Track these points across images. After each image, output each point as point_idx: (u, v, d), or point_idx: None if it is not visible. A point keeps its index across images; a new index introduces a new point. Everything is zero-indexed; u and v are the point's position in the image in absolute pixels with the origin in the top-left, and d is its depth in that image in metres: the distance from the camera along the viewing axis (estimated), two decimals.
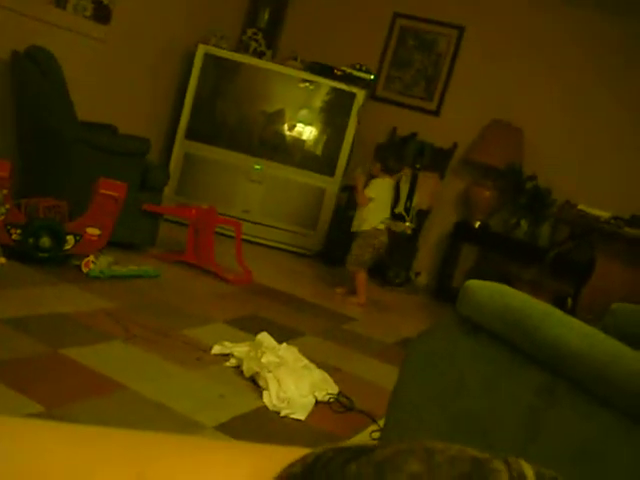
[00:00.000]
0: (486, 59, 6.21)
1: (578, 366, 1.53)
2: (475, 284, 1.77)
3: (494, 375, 1.71)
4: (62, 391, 2.35)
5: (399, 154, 5.24)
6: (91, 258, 3.89)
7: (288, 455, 0.36)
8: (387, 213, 4.99)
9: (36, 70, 4.26)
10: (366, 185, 4.88)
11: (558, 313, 1.66)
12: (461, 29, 6.33)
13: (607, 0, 5.64)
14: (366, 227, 4.87)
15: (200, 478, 0.37)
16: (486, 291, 1.73)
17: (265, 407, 2.67)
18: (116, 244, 4.29)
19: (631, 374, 1.45)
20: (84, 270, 3.85)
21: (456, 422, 1.74)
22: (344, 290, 5.06)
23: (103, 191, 3.90)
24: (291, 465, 0.36)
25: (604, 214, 4.83)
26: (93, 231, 3.90)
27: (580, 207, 4.99)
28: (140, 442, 0.40)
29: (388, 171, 4.92)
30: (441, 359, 1.84)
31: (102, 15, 5.18)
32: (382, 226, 4.91)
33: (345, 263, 5.00)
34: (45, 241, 3.74)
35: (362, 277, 4.94)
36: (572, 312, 4.10)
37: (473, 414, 1.73)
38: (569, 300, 4.70)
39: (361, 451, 0.36)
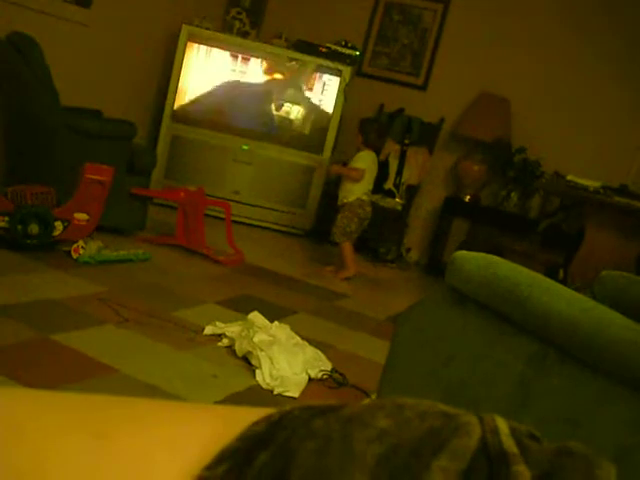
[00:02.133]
0: (472, 32, 6.18)
1: (568, 334, 1.53)
2: (463, 255, 1.77)
3: (484, 345, 1.71)
4: (52, 375, 2.34)
5: (381, 130, 5.22)
6: (80, 243, 3.87)
7: (253, 415, 0.36)
8: (371, 185, 4.99)
9: (18, 56, 4.22)
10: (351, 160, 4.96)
11: (547, 281, 1.66)
12: (446, 3, 6.29)
13: None
14: (351, 198, 4.89)
15: (160, 438, 0.36)
16: (474, 262, 1.73)
17: (258, 386, 2.67)
18: (105, 229, 4.27)
19: (620, 340, 1.45)
20: (74, 256, 3.83)
21: (448, 392, 1.74)
22: (333, 268, 5.04)
23: (89, 176, 3.87)
24: (255, 423, 0.35)
25: (593, 184, 4.82)
26: (81, 216, 3.88)
27: (569, 178, 4.98)
28: (98, 404, 0.39)
29: (369, 145, 4.94)
30: (431, 331, 1.83)
31: None
32: (366, 197, 4.94)
33: (331, 236, 5.01)
34: (33, 228, 3.72)
35: (349, 248, 4.96)
36: (564, 282, 4.11)
37: (465, 384, 1.73)
38: (560, 271, 4.71)
39: (329, 409, 0.35)
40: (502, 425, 0.34)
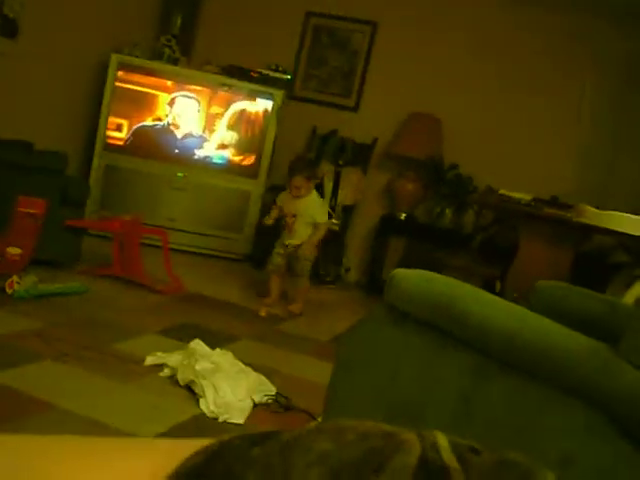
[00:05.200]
0: (401, 53, 6.27)
1: (507, 345, 1.55)
2: (401, 273, 1.78)
3: (425, 362, 1.72)
4: None
5: (308, 161, 5.22)
6: (15, 278, 3.78)
7: (193, 446, 0.35)
8: None
9: None
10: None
11: (484, 294, 1.68)
12: (374, 24, 6.38)
13: None
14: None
15: (101, 476, 0.36)
16: (412, 279, 1.75)
17: (203, 414, 2.64)
18: (40, 262, 4.19)
19: (558, 348, 1.48)
20: (8, 291, 3.74)
21: (392, 412, 1.75)
22: (272, 300, 4.82)
23: (22, 209, 3.81)
24: (194, 454, 0.35)
25: (525, 197, 4.93)
26: (14, 250, 3.80)
27: (501, 192, 5.08)
28: (44, 444, 0.38)
29: (312, 179, 4.82)
30: (373, 351, 1.84)
31: (9, 29, 5.06)
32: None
33: (298, 271, 4.81)
34: None
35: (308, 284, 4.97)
36: (501, 294, 4.17)
37: (408, 402, 1.74)
38: (497, 283, 4.78)
39: (267, 436, 0.35)
40: (442, 441, 0.35)
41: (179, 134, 6.09)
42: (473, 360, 1.61)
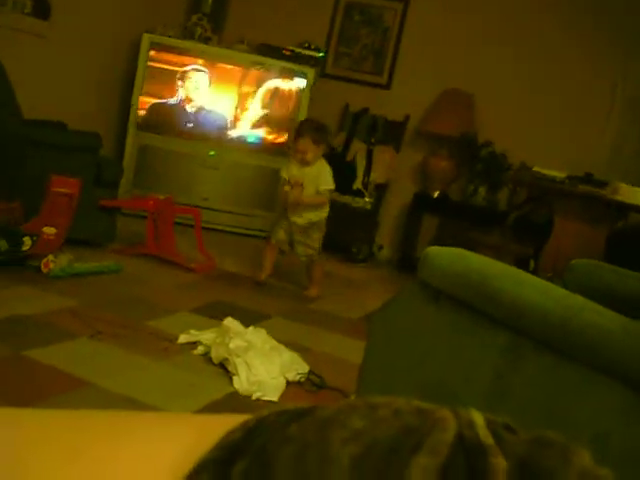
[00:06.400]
0: (432, 29, 6.21)
1: (540, 323, 1.54)
2: (435, 250, 1.78)
3: (459, 340, 1.71)
4: (27, 392, 2.32)
5: (316, 123, 4.50)
6: (50, 258, 3.83)
7: (229, 422, 0.36)
8: None
9: None
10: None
11: (518, 272, 1.67)
12: (406, 1, 6.32)
13: None
14: (326, 214, 4.47)
15: (136, 451, 0.36)
16: (446, 256, 1.74)
17: (236, 392, 2.66)
18: (75, 241, 4.23)
19: (592, 327, 1.47)
20: (44, 270, 3.79)
21: (425, 389, 1.75)
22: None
23: (56, 189, 3.84)
24: (231, 432, 0.35)
25: (559, 174, 4.88)
26: (49, 230, 3.84)
27: (535, 169, 5.04)
28: (73, 419, 0.39)
29: (320, 145, 4.35)
30: (405, 328, 1.84)
31: (42, 11, 5.09)
32: None
33: (304, 260, 4.52)
34: (2, 244, 3.67)
35: (322, 267, 4.67)
36: (535, 273, 4.14)
37: (442, 379, 1.74)
38: (531, 261, 4.75)
39: (304, 412, 0.35)
40: (477, 418, 0.35)
41: (191, 108, 6.07)
42: (507, 338, 1.60)
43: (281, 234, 4.46)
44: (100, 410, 0.39)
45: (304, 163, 4.30)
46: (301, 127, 4.43)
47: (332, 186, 4.41)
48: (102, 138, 4.69)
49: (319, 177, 4.34)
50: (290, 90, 6.11)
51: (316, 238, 4.45)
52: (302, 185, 4.30)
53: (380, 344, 1.91)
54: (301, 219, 4.38)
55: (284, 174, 4.41)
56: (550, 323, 1.50)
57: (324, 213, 4.45)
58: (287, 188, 4.34)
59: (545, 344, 1.53)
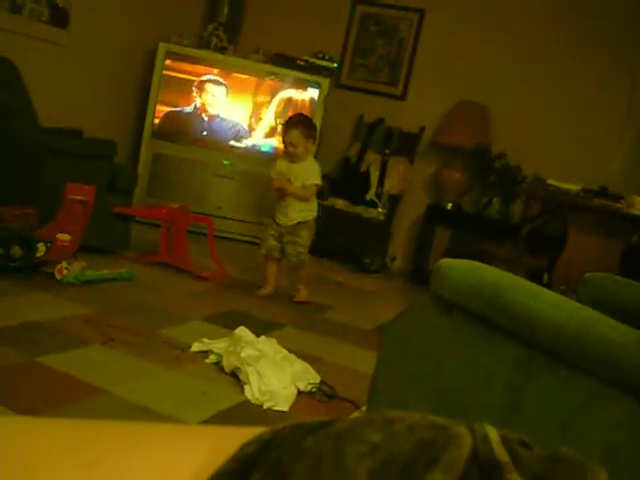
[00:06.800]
0: (448, 41, 6.22)
1: (554, 337, 1.53)
2: (448, 262, 1.77)
3: (472, 352, 1.71)
4: (40, 399, 2.32)
5: (305, 118, 4.49)
6: (64, 264, 3.85)
7: (244, 435, 0.36)
8: None
9: None
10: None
11: (532, 286, 1.66)
12: (421, 12, 6.33)
13: None
14: (314, 214, 4.38)
15: (152, 463, 0.36)
16: (459, 268, 1.73)
17: (248, 401, 2.66)
18: (89, 249, 4.25)
19: (606, 340, 1.46)
20: (57, 277, 3.81)
21: (437, 401, 1.74)
22: (267, 290, 4.45)
23: (71, 196, 3.86)
24: (247, 444, 0.35)
25: (574, 187, 4.87)
26: (64, 237, 3.85)
27: (550, 182, 5.02)
28: (91, 430, 0.39)
29: (310, 139, 4.26)
30: (418, 340, 1.84)
31: (59, 19, 5.13)
32: None
33: (294, 259, 4.40)
34: (16, 250, 3.69)
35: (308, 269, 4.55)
36: (549, 286, 4.13)
37: (454, 392, 1.73)
38: (545, 274, 4.73)
39: (319, 425, 0.35)
40: (493, 434, 0.35)
41: (207, 118, 6.10)
42: (520, 351, 1.59)
43: (271, 241, 4.36)
44: (114, 420, 0.39)
45: (294, 158, 4.22)
46: (291, 120, 4.36)
47: (319, 182, 4.30)
48: (117, 145, 4.71)
49: (307, 173, 4.24)
50: (304, 100, 6.12)
51: (304, 235, 4.33)
52: (290, 181, 4.23)
53: (392, 355, 1.90)
54: (287, 219, 4.29)
55: (272, 174, 4.34)
56: (563, 336, 1.50)
57: (312, 213, 4.36)
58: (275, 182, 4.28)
59: (558, 357, 1.52)
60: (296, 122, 4.27)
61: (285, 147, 4.27)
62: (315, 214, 4.39)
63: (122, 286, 3.99)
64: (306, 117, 4.52)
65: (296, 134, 4.18)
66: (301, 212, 4.31)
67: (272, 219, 4.37)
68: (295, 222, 4.30)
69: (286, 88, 6.12)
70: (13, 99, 4.23)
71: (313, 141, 4.33)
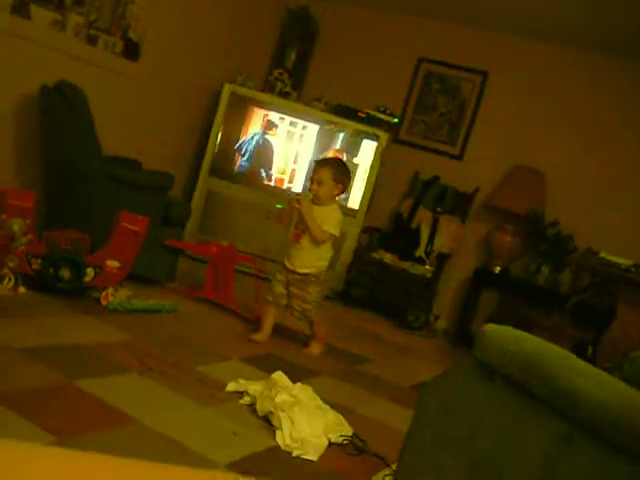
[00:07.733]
0: (509, 104, 6.23)
1: (596, 415, 1.50)
2: (492, 328, 1.75)
3: (510, 421, 1.68)
4: (74, 422, 2.34)
5: (339, 161, 4.28)
6: (110, 291, 3.90)
7: None
8: None
9: (63, 104, 4.32)
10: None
11: (576, 360, 1.64)
12: (485, 74, 6.36)
13: (623, 44, 5.61)
14: (325, 266, 4.13)
15: None
16: (503, 336, 1.71)
17: (277, 447, 2.64)
18: (135, 278, 4.30)
19: None
20: (103, 302, 3.86)
21: (471, 467, 1.71)
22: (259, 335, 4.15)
23: (124, 224, 3.92)
24: None
25: (626, 262, 4.79)
26: (113, 264, 3.91)
27: (602, 255, 4.95)
28: (110, 465, 0.39)
29: (339, 183, 3.99)
30: (456, 403, 1.81)
31: (131, 52, 5.27)
32: None
33: (298, 316, 4.18)
34: (65, 272, 3.76)
35: (325, 325, 4.33)
36: (592, 360, 4.05)
37: (489, 460, 1.70)
38: (589, 348, 4.64)
39: None
40: None
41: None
42: (560, 426, 1.56)
43: (279, 287, 4.10)
44: (135, 460, 0.39)
45: (316, 199, 3.96)
46: (324, 160, 4.19)
47: (336, 233, 4.00)
48: (174, 179, 4.79)
49: (327, 218, 3.96)
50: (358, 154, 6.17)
51: (313, 292, 4.07)
52: (305, 228, 3.97)
53: (429, 416, 1.88)
54: (297, 265, 4.04)
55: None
56: (606, 417, 1.46)
57: (324, 264, 4.10)
58: (297, 230, 4.02)
59: (600, 437, 1.49)
60: (330, 162, 4.08)
61: (310, 183, 4.00)
62: (326, 265, 4.12)
63: (165, 318, 4.02)
64: (343, 162, 4.26)
65: (326, 173, 3.93)
66: (314, 261, 4.05)
67: (282, 264, 4.13)
68: (305, 272, 4.05)
69: (346, 138, 6.17)
70: (80, 126, 4.34)
71: (343, 189, 4.04)
